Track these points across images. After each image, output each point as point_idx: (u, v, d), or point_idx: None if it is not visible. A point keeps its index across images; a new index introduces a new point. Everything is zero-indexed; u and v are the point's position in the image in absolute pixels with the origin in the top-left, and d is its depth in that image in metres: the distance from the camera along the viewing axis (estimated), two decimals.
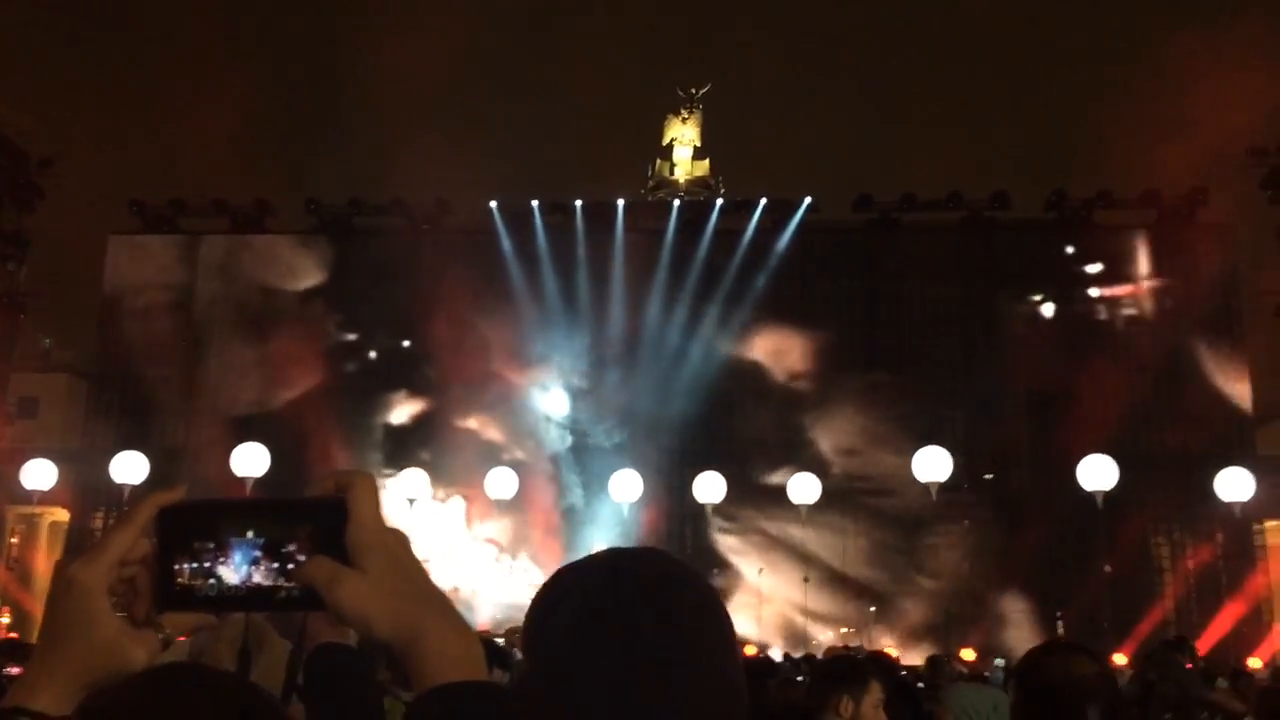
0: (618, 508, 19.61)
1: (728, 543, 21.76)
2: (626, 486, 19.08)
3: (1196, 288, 21.58)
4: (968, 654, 15.50)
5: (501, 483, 19.35)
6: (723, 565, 21.38)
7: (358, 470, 1.02)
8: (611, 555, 1.23)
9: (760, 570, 20.57)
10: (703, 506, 19.52)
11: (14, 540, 22.76)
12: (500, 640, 4.63)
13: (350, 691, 1.60)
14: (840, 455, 21.90)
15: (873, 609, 20.59)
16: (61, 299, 23.86)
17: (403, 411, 22.85)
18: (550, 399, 22.65)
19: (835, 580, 21.40)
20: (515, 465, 20.39)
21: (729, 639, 1.18)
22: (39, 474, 18.61)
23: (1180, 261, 21.83)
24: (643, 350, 22.18)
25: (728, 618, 1.19)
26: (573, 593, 1.17)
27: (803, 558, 21.06)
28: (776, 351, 22.58)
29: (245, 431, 19.71)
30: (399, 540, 1.00)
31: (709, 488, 19.03)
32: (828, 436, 22.09)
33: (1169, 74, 22.21)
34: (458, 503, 21.82)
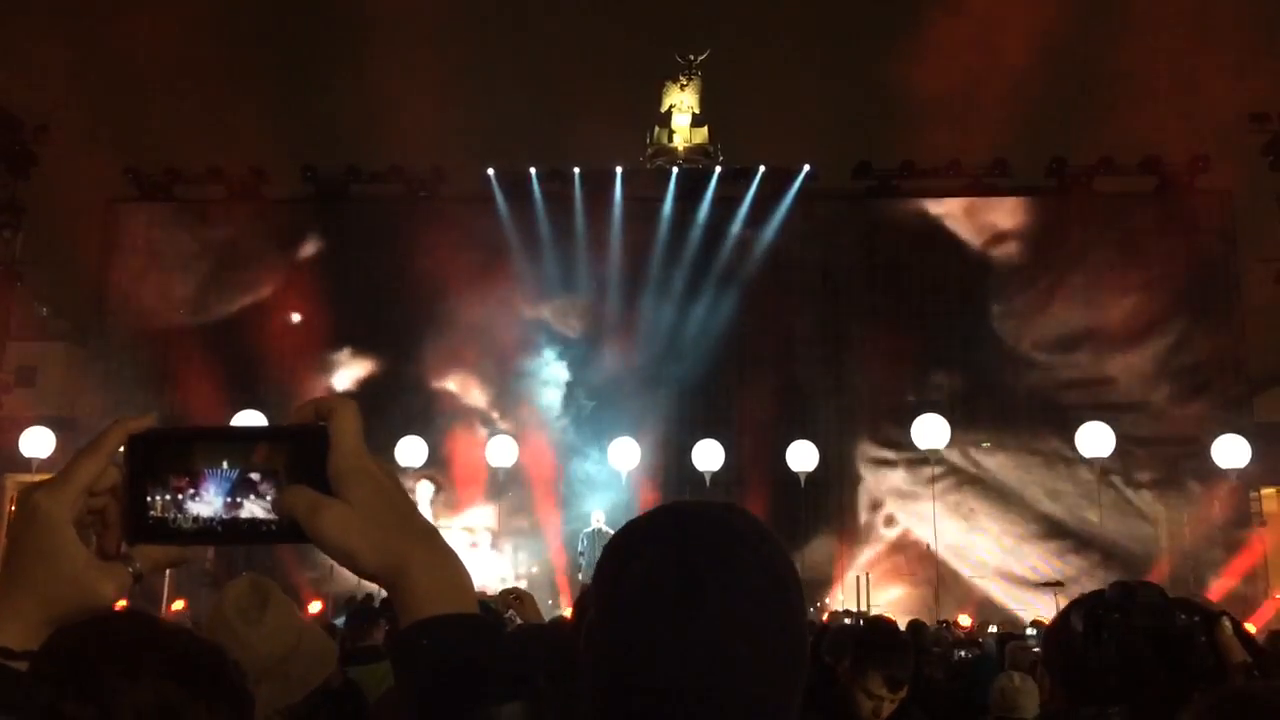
0: (622, 472, 19.63)
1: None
2: (625, 454, 19.19)
3: (1197, 254, 21.53)
4: (964, 619, 15.59)
5: (501, 451, 19.35)
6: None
7: (339, 396, 0.98)
8: (681, 516, 1.21)
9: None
10: (702, 475, 19.48)
11: (14, 509, 22.79)
12: (492, 603, 4.62)
13: None
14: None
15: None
16: (59, 267, 23.78)
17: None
18: (549, 364, 22.59)
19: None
20: (512, 435, 20.39)
21: (794, 605, 1.17)
22: (37, 442, 18.61)
23: (1181, 228, 21.77)
24: (642, 315, 22.16)
25: (795, 581, 1.19)
26: (642, 553, 1.16)
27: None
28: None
29: (242, 397, 19.70)
30: (384, 469, 0.96)
31: (708, 456, 19.11)
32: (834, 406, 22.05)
33: (1169, 40, 22.04)
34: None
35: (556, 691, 1.09)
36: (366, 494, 0.92)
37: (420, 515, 0.96)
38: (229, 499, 0.95)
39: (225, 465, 0.95)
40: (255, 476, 0.95)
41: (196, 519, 0.95)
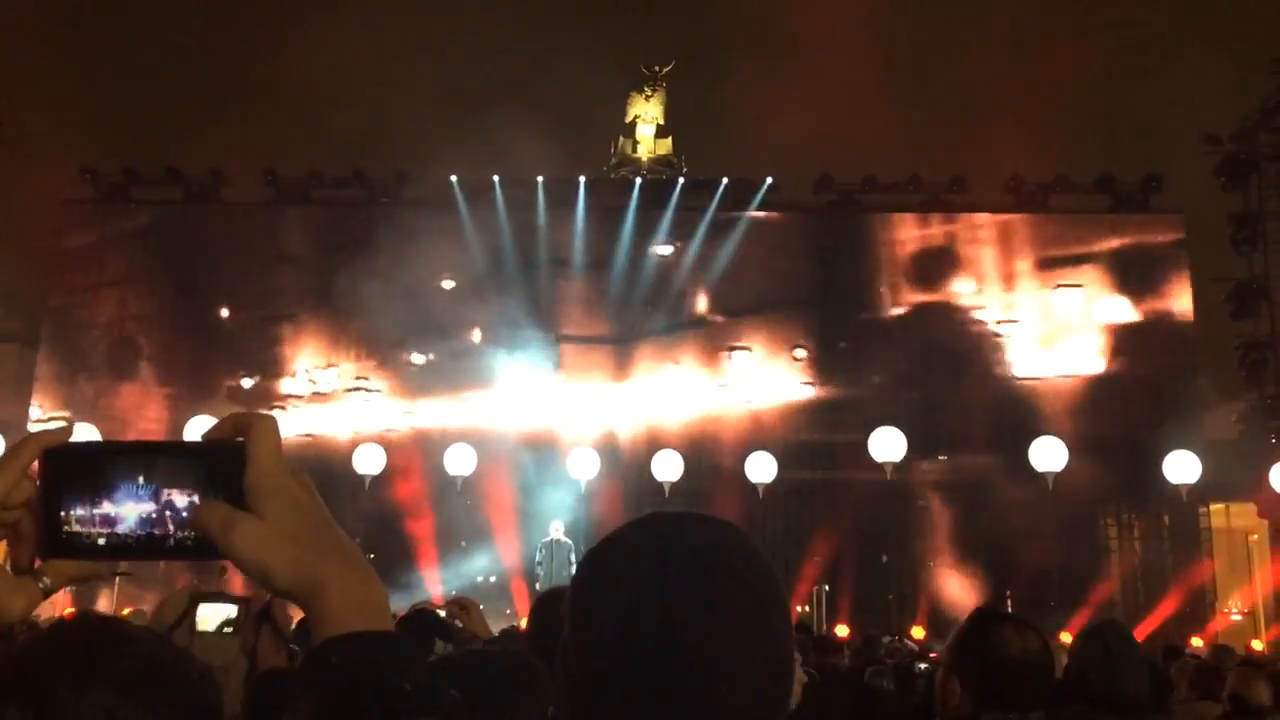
0: (574, 485, 19.55)
1: None
2: (585, 462, 19.12)
3: (1148, 273, 21.92)
4: (918, 632, 15.69)
5: (460, 460, 19.16)
6: None
7: (258, 412, 0.98)
8: (661, 538, 1.14)
9: None
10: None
11: None
12: (441, 612, 4.60)
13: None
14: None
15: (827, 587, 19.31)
16: (10, 267, 23.35)
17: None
18: (509, 370, 22.47)
19: None
20: (471, 442, 20.25)
21: (775, 627, 1.12)
22: None
23: (1134, 247, 22.14)
24: (603, 323, 22.18)
25: (775, 601, 1.13)
26: (620, 581, 1.11)
27: None
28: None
29: (195, 402, 19.49)
30: (302, 484, 0.96)
31: (667, 466, 19.08)
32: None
33: (1123, 62, 22.48)
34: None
35: (477, 714, 1.09)
36: (281, 509, 0.92)
37: (338, 531, 0.96)
38: (144, 514, 0.95)
39: (141, 480, 0.95)
40: (171, 491, 0.95)
41: (111, 534, 0.95)
